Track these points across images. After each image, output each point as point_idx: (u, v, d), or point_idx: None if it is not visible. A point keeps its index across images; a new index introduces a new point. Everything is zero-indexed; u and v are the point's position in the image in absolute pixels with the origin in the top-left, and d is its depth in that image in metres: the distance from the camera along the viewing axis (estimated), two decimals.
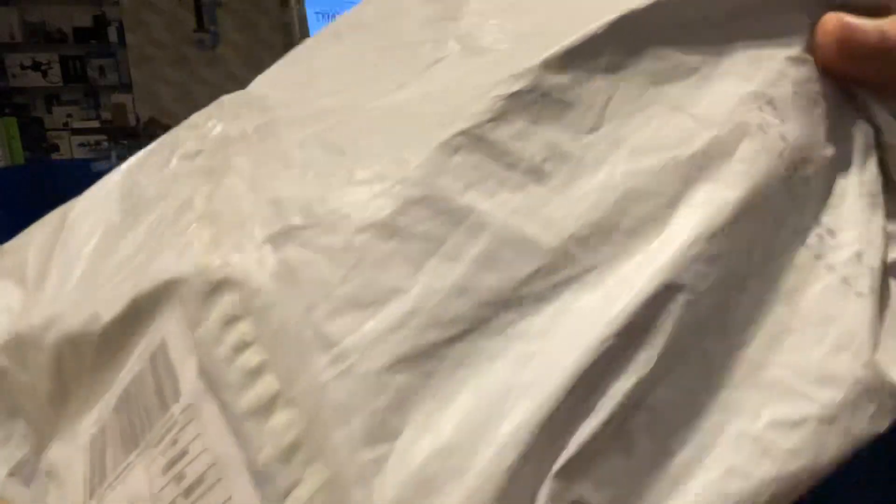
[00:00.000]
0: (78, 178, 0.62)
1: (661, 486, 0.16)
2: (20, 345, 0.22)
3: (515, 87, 0.17)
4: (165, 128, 0.27)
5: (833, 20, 0.18)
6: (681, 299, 0.16)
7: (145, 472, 0.18)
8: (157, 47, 2.98)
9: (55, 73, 3.23)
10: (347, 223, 0.17)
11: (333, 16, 1.21)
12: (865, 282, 0.17)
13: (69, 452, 0.21)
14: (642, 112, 0.18)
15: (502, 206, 0.17)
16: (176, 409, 0.18)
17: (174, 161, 0.23)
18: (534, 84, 0.17)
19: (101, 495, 0.19)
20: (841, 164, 0.19)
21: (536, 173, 0.17)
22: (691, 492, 0.15)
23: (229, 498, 0.16)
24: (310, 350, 0.16)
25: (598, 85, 0.18)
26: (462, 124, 0.17)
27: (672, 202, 0.17)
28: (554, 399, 0.15)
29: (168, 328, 0.19)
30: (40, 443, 0.22)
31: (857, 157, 0.19)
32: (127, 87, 3.18)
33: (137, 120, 3.22)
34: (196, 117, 0.25)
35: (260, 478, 0.16)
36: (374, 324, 0.16)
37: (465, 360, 0.16)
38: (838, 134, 0.19)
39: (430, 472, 0.15)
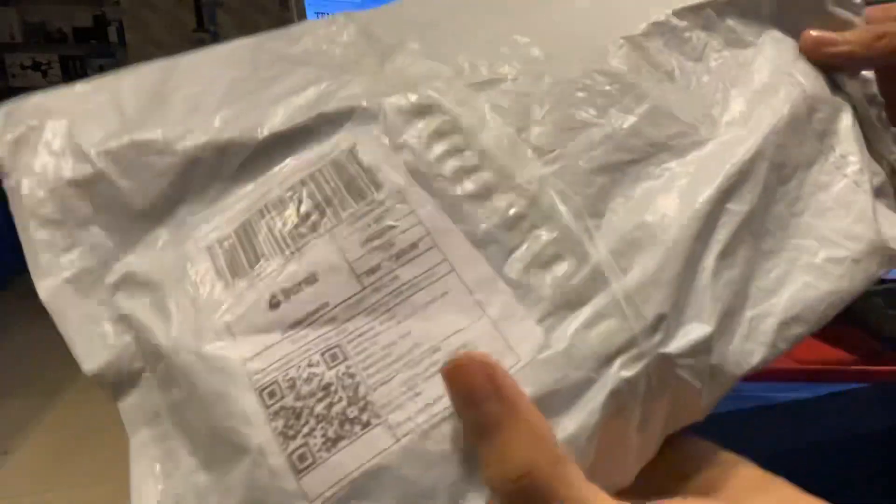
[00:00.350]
0: None
1: (763, 289, 0.25)
2: (138, 150, 0.24)
3: (656, 19, 0.27)
4: None
5: (808, 31, 0.30)
6: (766, 162, 0.25)
7: (335, 246, 0.22)
8: (157, 47, 2.97)
9: (55, 73, 3.23)
10: (542, 78, 0.25)
11: None
12: (867, 186, 0.27)
13: (169, 254, 0.23)
14: (722, 61, 0.28)
15: (654, 88, 0.26)
16: (378, 196, 0.23)
17: (314, 40, 0.28)
18: (666, 21, 0.27)
19: (256, 274, 0.22)
20: (838, 117, 0.29)
21: (670, 76, 0.27)
22: (785, 294, 0.25)
23: (444, 259, 0.22)
24: (525, 155, 0.24)
25: (699, 34, 0.28)
26: (626, 32, 0.27)
27: (750, 109, 0.27)
28: (708, 202, 0.24)
29: (360, 137, 0.24)
30: (114, 252, 0.23)
31: (846, 115, 0.29)
32: None
33: None
34: (311, 23, 0.29)
35: (482, 241, 0.22)
36: (578, 141, 0.24)
37: (641, 175, 0.24)
38: (834, 98, 0.29)
39: (634, 236, 0.23)
